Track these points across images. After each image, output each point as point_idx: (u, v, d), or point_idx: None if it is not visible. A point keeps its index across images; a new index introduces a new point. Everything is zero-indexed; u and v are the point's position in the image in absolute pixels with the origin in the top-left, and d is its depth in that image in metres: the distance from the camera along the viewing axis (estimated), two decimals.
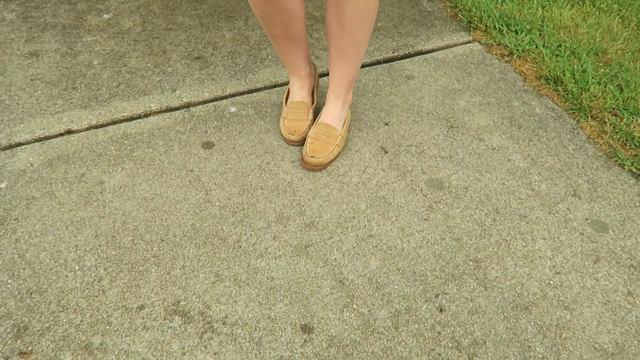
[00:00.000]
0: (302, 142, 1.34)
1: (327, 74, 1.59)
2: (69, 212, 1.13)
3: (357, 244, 1.11)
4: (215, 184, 1.22)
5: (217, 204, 1.17)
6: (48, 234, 1.08)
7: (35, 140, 1.30)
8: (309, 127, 1.35)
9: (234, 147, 1.31)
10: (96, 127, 1.35)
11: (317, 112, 1.41)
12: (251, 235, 1.11)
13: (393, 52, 1.69)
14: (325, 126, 1.29)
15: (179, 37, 1.70)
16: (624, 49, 1.77)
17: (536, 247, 1.13)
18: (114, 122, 1.37)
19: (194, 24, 1.77)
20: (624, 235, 1.17)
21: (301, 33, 1.23)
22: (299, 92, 1.38)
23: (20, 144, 1.29)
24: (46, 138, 1.31)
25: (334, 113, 1.31)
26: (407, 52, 1.70)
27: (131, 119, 1.38)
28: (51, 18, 1.75)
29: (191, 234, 1.11)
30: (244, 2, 1.90)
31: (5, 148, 1.27)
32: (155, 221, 1.13)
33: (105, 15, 1.78)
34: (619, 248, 1.14)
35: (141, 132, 1.34)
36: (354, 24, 1.13)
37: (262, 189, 1.22)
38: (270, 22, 1.16)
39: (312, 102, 1.41)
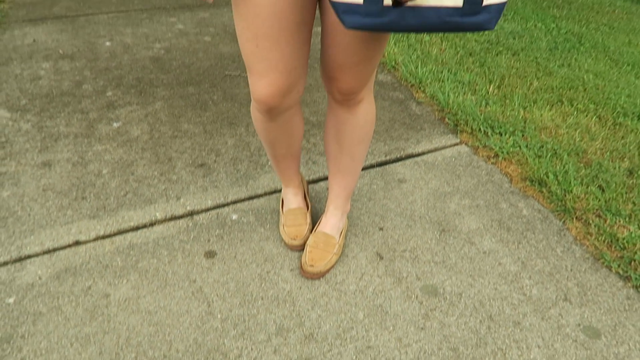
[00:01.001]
0: (303, 246, 1.39)
1: (325, 179, 1.68)
2: (75, 328, 1.16)
3: (356, 357, 1.13)
4: (217, 295, 1.26)
5: (219, 316, 1.21)
6: (53, 352, 1.11)
7: (45, 252, 1.35)
8: (309, 231, 1.41)
9: (235, 256, 1.37)
10: (103, 237, 1.41)
11: (312, 215, 1.48)
12: (252, 349, 1.14)
13: (385, 156, 1.80)
14: (324, 235, 1.36)
15: (184, 145, 1.81)
16: (602, 149, 1.89)
17: (531, 357, 1.15)
18: (120, 232, 1.43)
19: (198, 131, 1.88)
20: (617, 342, 1.20)
21: (299, 150, 1.33)
22: (294, 199, 1.46)
23: (29, 257, 1.34)
24: (55, 250, 1.36)
25: (332, 222, 1.38)
26: (398, 156, 1.80)
27: (137, 228, 1.45)
28: (64, 127, 1.87)
29: (193, 348, 1.13)
30: (245, 109, 2.04)
31: (15, 261, 1.32)
32: (158, 336, 1.15)
33: (115, 124, 1.90)
34: (612, 355, 1.17)
35: (146, 242, 1.40)
36: (352, 144, 1.23)
37: (262, 299, 1.26)
38: (275, 146, 1.26)
39: (307, 207, 1.49)
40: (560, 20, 3.64)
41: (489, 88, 2.28)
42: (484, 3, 0.76)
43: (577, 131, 1.98)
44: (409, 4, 0.75)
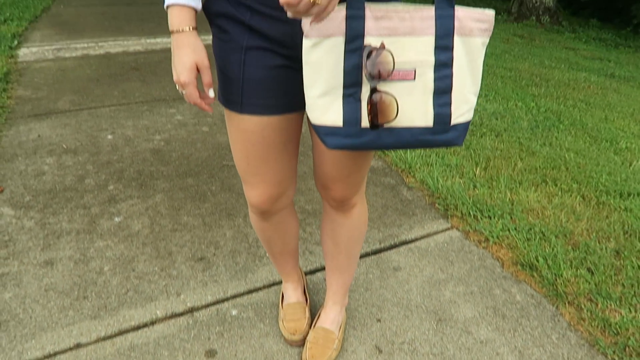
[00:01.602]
0: (303, 341, 1.41)
1: (322, 269, 1.72)
2: None
3: None
4: None
5: None
6: None
7: (45, 357, 1.36)
8: (308, 325, 1.43)
9: (235, 354, 1.38)
10: (104, 338, 1.42)
11: (311, 308, 1.51)
12: None
13: (380, 244, 1.85)
14: (323, 330, 1.38)
15: (183, 238, 1.86)
16: (588, 229, 1.95)
17: None
18: (121, 333, 1.44)
19: (198, 224, 1.94)
20: None
21: (296, 247, 1.39)
22: (294, 293, 1.49)
23: None
24: (56, 354, 1.37)
25: (332, 317, 1.40)
26: (392, 243, 1.86)
27: (138, 327, 1.46)
28: (67, 224, 1.92)
29: None
30: (242, 199, 2.11)
31: None
32: None
33: (116, 219, 1.96)
34: None
35: (147, 342, 1.41)
36: (348, 244, 1.29)
37: None
38: (271, 244, 1.31)
39: (307, 301, 1.52)
40: (539, 98, 3.85)
41: (476, 170, 2.38)
42: (452, 123, 0.86)
43: (563, 212, 2.06)
44: (385, 125, 0.83)
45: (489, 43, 6.19)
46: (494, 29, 7.60)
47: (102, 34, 4.80)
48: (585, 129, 3.17)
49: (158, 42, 4.64)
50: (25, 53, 4.07)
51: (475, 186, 2.24)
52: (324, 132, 0.86)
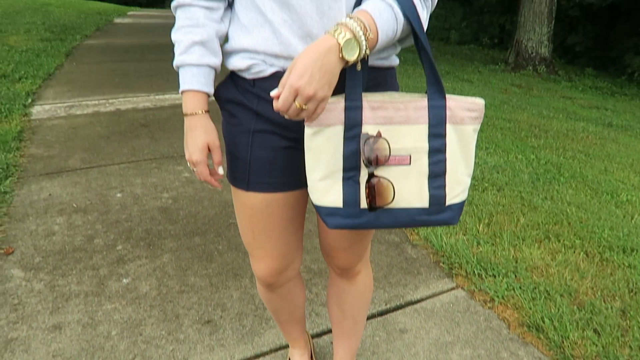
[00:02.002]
0: None
1: (329, 332, 1.73)
2: None
3: None
4: None
5: None
6: None
7: None
8: None
9: None
10: None
11: None
12: None
13: (386, 304, 1.86)
14: None
15: (190, 300, 1.87)
16: (593, 288, 1.96)
17: None
18: None
19: (205, 285, 1.96)
20: None
21: (302, 315, 1.41)
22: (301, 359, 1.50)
23: None
24: None
25: None
26: (398, 304, 1.87)
27: None
28: (76, 286, 1.94)
29: None
30: (248, 259, 2.13)
31: None
32: None
33: (124, 280, 1.98)
34: None
35: None
36: (354, 310, 1.31)
37: None
38: (277, 313, 1.33)
39: None
40: (539, 150, 3.92)
41: (479, 227, 2.41)
42: (447, 203, 0.91)
43: (567, 269, 2.08)
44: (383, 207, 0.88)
45: (489, 94, 6.35)
46: (492, 79, 7.81)
47: (112, 90, 4.96)
48: (585, 182, 3.22)
49: (167, 98, 4.79)
50: (39, 111, 4.21)
51: (479, 243, 2.26)
52: (324, 213, 0.90)
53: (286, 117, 0.82)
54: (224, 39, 1.02)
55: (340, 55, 0.79)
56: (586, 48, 10.44)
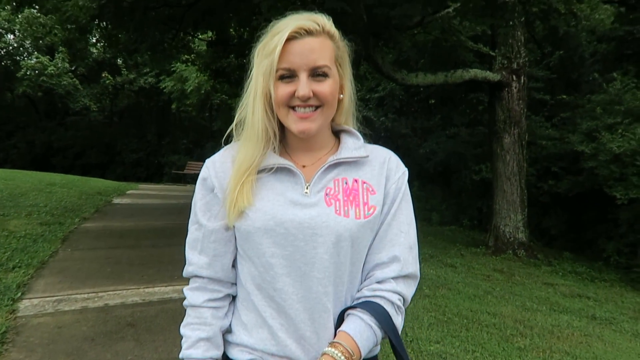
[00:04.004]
0: None
1: None
2: None
3: None
4: None
5: None
6: None
7: None
8: None
9: None
10: None
11: None
12: None
13: None
14: None
15: None
16: None
17: None
18: None
19: None
20: None
21: None
22: None
23: None
24: None
25: None
26: None
27: None
28: None
29: None
30: None
31: None
32: None
33: None
34: None
35: None
36: None
37: None
38: None
39: None
40: (525, 352, 3.93)
41: None
42: None
43: None
44: None
45: (472, 283, 6.52)
46: (474, 264, 8.08)
47: (103, 282, 5.04)
48: None
49: (156, 291, 4.86)
50: (27, 306, 4.22)
51: None
52: None
53: None
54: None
55: None
56: (561, 231, 11.02)
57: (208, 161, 1.18)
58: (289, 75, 1.06)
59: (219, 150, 1.22)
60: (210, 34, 11.57)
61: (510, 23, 6.94)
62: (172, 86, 20.37)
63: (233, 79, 11.66)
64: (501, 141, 9.30)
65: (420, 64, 12.21)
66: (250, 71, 1.12)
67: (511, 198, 9.24)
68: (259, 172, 1.11)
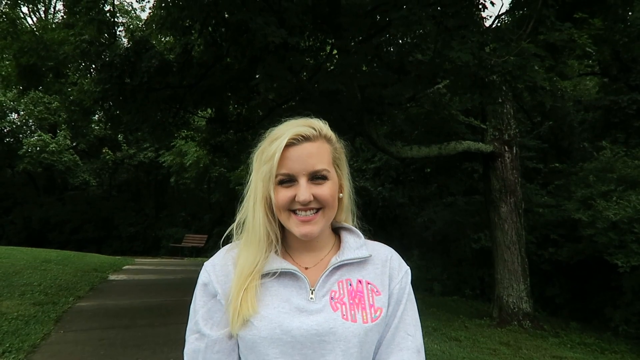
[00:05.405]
0: None
1: None
2: None
3: None
4: None
5: None
6: None
7: None
8: None
9: None
10: None
11: None
12: None
13: None
14: None
15: None
16: None
17: None
18: None
19: None
20: None
21: None
22: None
23: None
24: None
25: None
26: None
27: None
28: None
29: None
30: None
31: None
32: None
33: None
34: None
35: None
36: None
37: None
38: None
39: None
40: None
41: None
42: None
43: None
44: None
45: (478, 358, 6.30)
46: (479, 337, 7.84)
47: None
48: None
49: None
50: None
51: None
52: None
53: None
54: None
55: None
56: (566, 300, 10.79)
57: (208, 265, 1.18)
58: (288, 180, 1.10)
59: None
60: (209, 111, 11.95)
61: (499, 100, 7.21)
62: (171, 160, 20.70)
63: (231, 153, 11.88)
64: (498, 210, 9.35)
65: (414, 135, 12.54)
66: (250, 176, 1.16)
67: (512, 267, 9.13)
68: (262, 276, 1.11)
